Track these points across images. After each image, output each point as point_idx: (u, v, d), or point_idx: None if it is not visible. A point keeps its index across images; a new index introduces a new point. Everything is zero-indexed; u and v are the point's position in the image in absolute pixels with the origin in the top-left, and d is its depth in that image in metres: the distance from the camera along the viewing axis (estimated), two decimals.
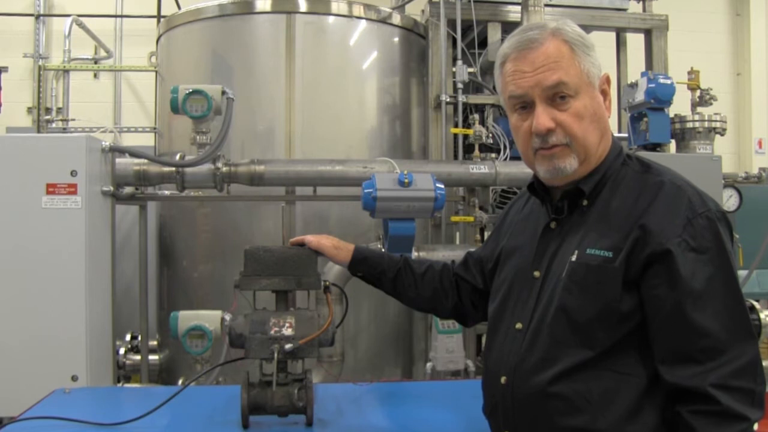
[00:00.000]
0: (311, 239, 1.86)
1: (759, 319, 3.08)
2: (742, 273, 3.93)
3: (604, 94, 1.41)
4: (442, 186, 2.87)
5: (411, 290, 1.81)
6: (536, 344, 1.36)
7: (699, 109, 4.39)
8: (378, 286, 1.85)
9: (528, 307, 1.41)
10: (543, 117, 1.34)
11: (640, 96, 4.03)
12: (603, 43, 4.92)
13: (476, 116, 3.99)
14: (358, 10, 3.78)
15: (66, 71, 5.95)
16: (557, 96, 1.34)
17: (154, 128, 4.92)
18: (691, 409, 1.21)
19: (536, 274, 1.42)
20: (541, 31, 1.37)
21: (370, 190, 2.75)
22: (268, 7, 3.70)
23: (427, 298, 1.82)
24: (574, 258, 1.34)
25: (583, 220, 1.39)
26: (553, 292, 1.36)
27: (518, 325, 1.42)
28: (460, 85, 3.99)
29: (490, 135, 3.97)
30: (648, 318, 1.28)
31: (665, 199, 1.30)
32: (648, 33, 4.48)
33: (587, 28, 4.52)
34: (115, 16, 6.30)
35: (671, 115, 4.17)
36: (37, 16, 6.17)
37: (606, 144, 1.41)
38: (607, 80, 1.42)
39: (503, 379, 1.41)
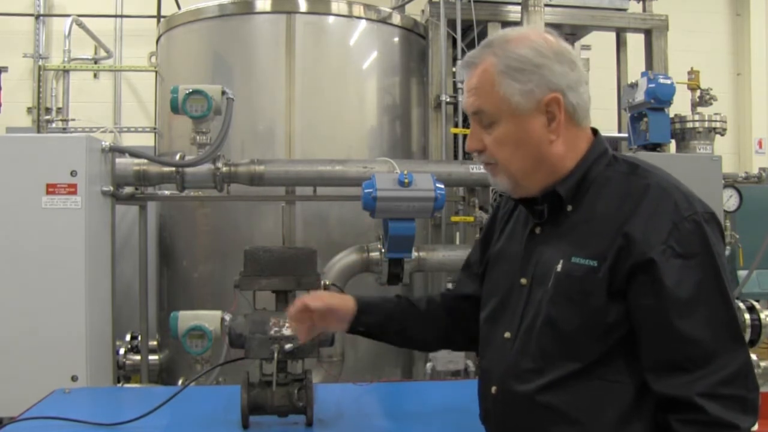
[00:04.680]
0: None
1: (759, 319, 3.08)
2: (742, 273, 3.94)
3: (551, 116, 1.33)
4: (442, 186, 2.87)
5: (418, 327, 1.68)
6: (524, 354, 1.34)
7: (699, 109, 4.39)
8: (381, 337, 1.71)
9: (516, 315, 1.39)
10: (470, 139, 1.41)
11: (640, 96, 4.03)
12: (603, 43, 4.93)
13: None
14: (358, 10, 3.78)
15: (66, 71, 5.95)
16: (482, 121, 1.37)
17: (154, 128, 4.93)
18: (679, 418, 1.19)
19: (523, 281, 1.39)
20: (481, 50, 1.37)
21: (370, 190, 2.75)
22: (268, 7, 3.70)
23: (440, 331, 1.69)
24: (559, 268, 1.32)
25: (568, 226, 1.35)
26: (540, 302, 1.34)
27: (507, 334, 1.39)
28: (460, 85, 3.98)
29: None
30: (635, 328, 1.25)
31: (650, 204, 1.26)
32: (648, 33, 4.47)
33: (587, 28, 4.54)
34: (115, 16, 6.30)
35: (671, 115, 4.17)
36: (37, 16, 6.17)
37: (553, 168, 1.36)
38: (554, 102, 1.31)
39: (493, 389, 1.39)
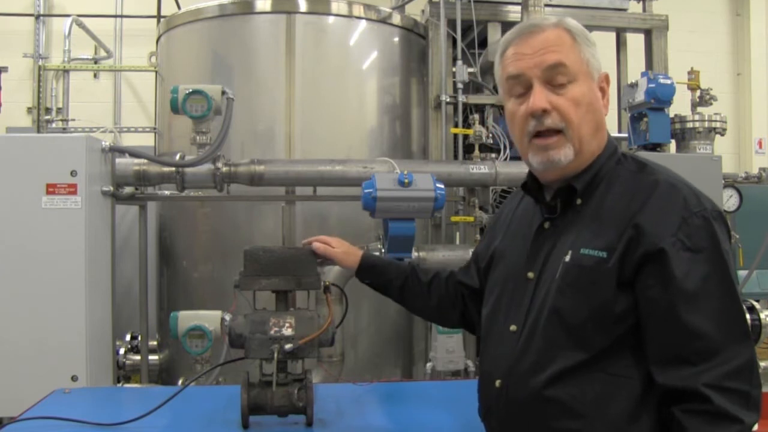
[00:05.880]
0: (319, 246, 1.85)
1: (759, 319, 3.08)
2: (742, 273, 3.93)
3: (602, 92, 1.40)
4: (442, 186, 2.87)
5: (418, 300, 1.82)
6: (530, 347, 1.34)
7: (699, 109, 4.39)
8: (385, 294, 1.86)
9: (522, 309, 1.39)
10: (539, 96, 1.33)
11: (640, 96, 4.03)
12: (603, 43, 4.92)
13: (476, 116, 3.99)
14: (358, 10, 3.78)
15: (66, 71, 5.95)
16: (555, 79, 1.34)
17: (154, 128, 4.92)
18: (683, 408, 1.19)
19: (530, 275, 1.40)
20: (540, 20, 1.40)
21: (370, 190, 2.75)
22: (268, 7, 3.70)
23: (433, 307, 1.82)
24: (567, 258, 1.33)
25: (577, 220, 1.37)
26: (547, 294, 1.34)
27: (512, 328, 1.40)
28: (460, 85, 3.99)
29: (490, 135, 3.98)
30: (642, 319, 1.26)
31: (660, 198, 1.28)
32: (648, 33, 4.47)
33: (587, 29, 4.52)
34: (115, 16, 6.30)
35: (671, 115, 4.17)
36: (37, 16, 6.18)
37: (601, 140, 1.40)
38: (606, 79, 1.41)
39: (497, 383, 1.39)
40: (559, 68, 1.33)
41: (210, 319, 2.70)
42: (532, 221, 1.48)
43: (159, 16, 5.79)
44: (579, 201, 1.38)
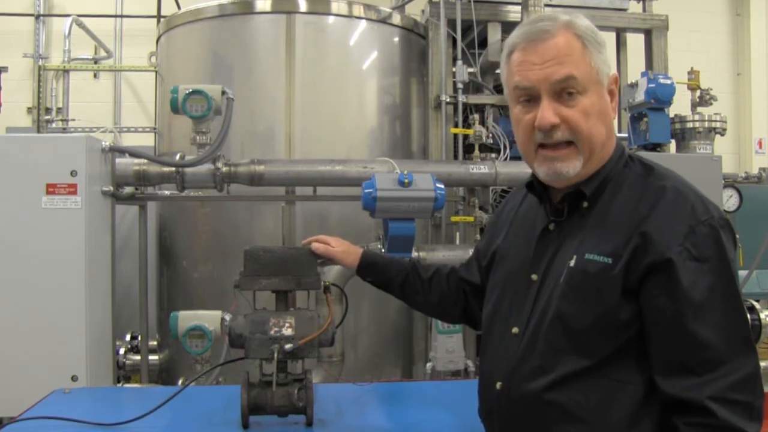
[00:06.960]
0: (318, 246, 1.86)
1: (759, 319, 3.08)
2: (742, 273, 3.94)
3: (612, 94, 1.37)
4: (442, 186, 2.87)
5: (419, 296, 1.82)
6: (532, 351, 1.34)
7: (699, 109, 4.39)
8: (387, 291, 1.87)
9: (524, 311, 1.38)
10: (548, 111, 1.29)
11: (640, 96, 4.03)
12: None
13: (476, 116, 3.99)
14: (358, 10, 3.78)
15: (66, 71, 5.95)
16: (565, 91, 1.30)
17: (154, 128, 4.92)
18: (687, 421, 1.19)
19: (534, 277, 1.39)
20: (552, 22, 1.33)
21: (370, 190, 2.75)
22: (268, 7, 3.70)
23: (434, 304, 1.82)
24: (572, 263, 1.31)
25: (583, 223, 1.35)
26: (550, 298, 1.33)
27: (514, 330, 1.39)
28: (460, 85, 3.99)
29: (490, 135, 3.98)
30: (647, 327, 1.25)
31: (667, 206, 1.27)
32: (648, 33, 4.47)
33: None
34: (115, 16, 6.30)
35: (671, 115, 4.17)
36: (37, 16, 6.17)
37: (611, 145, 1.38)
38: (615, 81, 1.37)
39: (498, 385, 1.39)
40: (569, 81, 1.29)
41: (210, 319, 2.70)
42: (535, 222, 1.46)
43: (159, 16, 5.79)
44: (585, 204, 1.36)
